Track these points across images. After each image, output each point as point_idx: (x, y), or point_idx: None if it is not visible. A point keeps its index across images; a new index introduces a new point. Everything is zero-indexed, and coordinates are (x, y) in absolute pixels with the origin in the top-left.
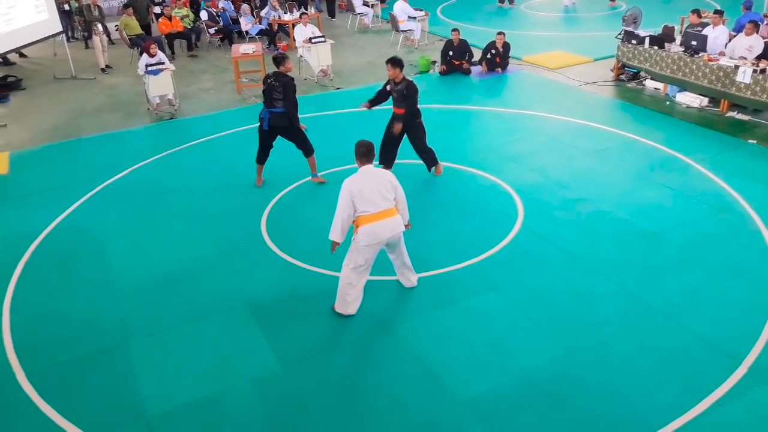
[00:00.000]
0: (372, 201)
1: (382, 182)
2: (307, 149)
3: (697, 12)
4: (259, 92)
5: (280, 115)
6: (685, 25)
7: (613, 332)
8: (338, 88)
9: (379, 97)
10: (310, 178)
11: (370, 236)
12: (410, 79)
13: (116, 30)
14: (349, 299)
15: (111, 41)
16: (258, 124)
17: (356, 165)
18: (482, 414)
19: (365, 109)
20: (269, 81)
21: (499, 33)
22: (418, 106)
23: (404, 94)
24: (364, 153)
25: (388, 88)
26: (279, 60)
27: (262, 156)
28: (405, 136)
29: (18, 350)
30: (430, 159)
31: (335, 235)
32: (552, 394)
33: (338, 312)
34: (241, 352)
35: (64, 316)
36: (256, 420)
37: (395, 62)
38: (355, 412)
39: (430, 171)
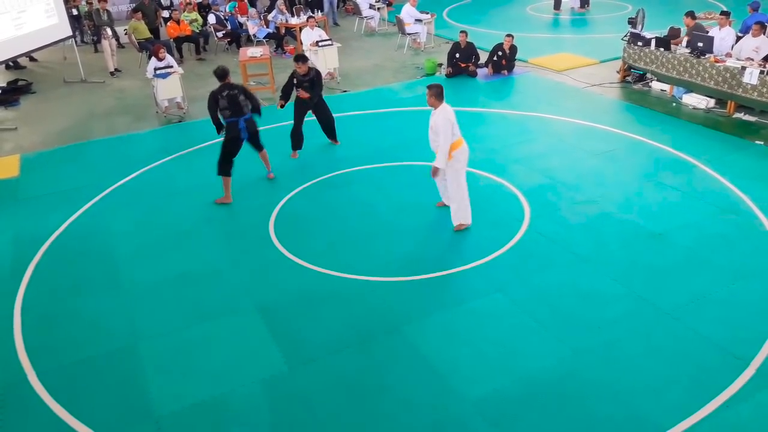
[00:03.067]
0: (458, 127)
1: (454, 115)
2: (260, 146)
3: (691, 14)
4: (267, 96)
5: (252, 120)
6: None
7: (620, 333)
8: (345, 91)
9: (288, 92)
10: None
11: (464, 154)
12: (315, 67)
13: (125, 34)
14: (469, 208)
15: (120, 45)
16: (225, 137)
17: (434, 104)
18: (488, 414)
19: (281, 107)
20: (228, 93)
21: (508, 35)
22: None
23: (314, 82)
24: (440, 92)
25: (295, 81)
26: (225, 74)
27: (230, 167)
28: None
29: (29, 351)
30: (332, 133)
31: (442, 162)
32: (558, 395)
33: (466, 224)
34: (249, 353)
35: (75, 317)
36: (264, 420)
37: (303, 59)
38: (362, 413)
39: (331, 141)
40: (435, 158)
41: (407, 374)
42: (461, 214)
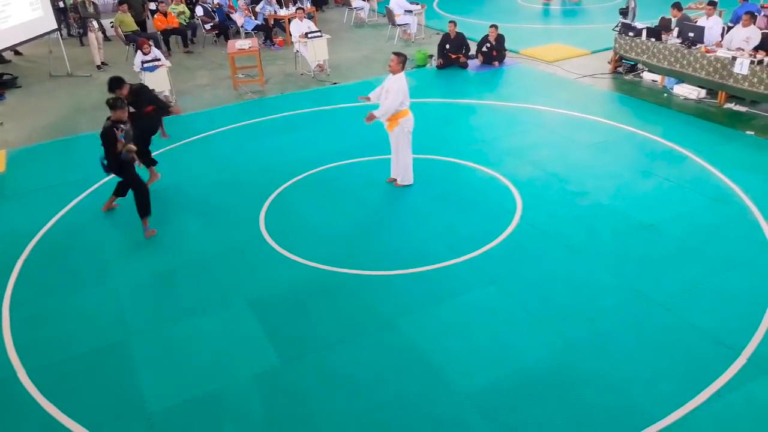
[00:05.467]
0: (408, 98)
1: (407, 86)
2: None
3: (677, 6)
4: (256, 88)
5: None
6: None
7: (613, 324)
8: (335, 83)
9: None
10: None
11: (411, 121)
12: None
13: (111, 27)
14: (411, 170)
15: (107, 38)
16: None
17: (396, 71)
18: (482, 407)
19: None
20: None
21: (492, 26)
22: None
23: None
24: (405, 61)
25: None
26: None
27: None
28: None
29: (18, 348)
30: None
31: (381, 116)
32: (552, 387)
33: (409, 184)
34: (241, 348)
35: (64, 314)
36: (257, 415)
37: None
38: (356, 407)
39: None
40: (377, 109)
41: (400, 368)
42: (407, 175)
